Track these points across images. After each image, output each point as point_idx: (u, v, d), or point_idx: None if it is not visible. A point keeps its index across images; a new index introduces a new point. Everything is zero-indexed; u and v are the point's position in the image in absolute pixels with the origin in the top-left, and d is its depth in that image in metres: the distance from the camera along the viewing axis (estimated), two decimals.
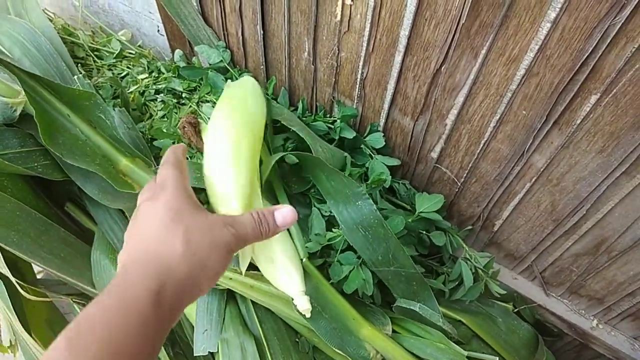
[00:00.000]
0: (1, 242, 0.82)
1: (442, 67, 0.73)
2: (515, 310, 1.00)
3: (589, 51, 0.59)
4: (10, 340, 1.10)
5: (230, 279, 0.82)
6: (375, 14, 0.74)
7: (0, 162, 0.82)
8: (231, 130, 0.66)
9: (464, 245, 0.92)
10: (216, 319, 0.87)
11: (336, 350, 0.79)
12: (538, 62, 0.64)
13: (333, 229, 0.84)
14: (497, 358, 0.83)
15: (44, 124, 0.83)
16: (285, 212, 0.52)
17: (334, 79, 0.91)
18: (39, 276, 1.08)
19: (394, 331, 0.86)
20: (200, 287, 0.44)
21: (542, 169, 0.77)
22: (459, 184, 0.90)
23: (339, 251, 0.83)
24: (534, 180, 0.79)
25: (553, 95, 0.66)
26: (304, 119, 0.99)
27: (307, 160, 0.83)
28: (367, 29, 0.77)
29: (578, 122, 0.67)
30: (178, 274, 0.42)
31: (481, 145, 0.80)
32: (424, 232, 0.90)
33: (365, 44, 0.80)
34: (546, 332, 1.04)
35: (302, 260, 0.80)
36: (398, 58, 0.78)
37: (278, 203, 0.86)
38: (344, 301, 0.83)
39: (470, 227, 0.97)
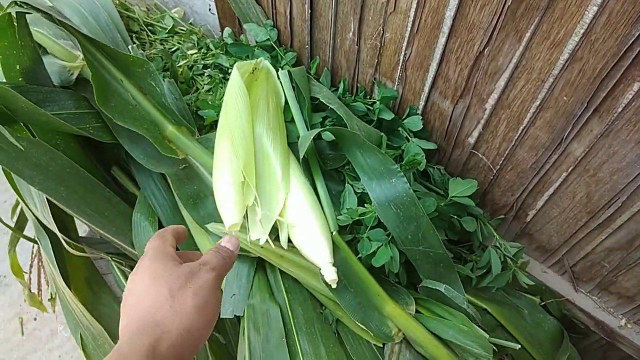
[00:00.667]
0: (51, 195, 0.88)
1: (485, 50, 0.74)
2: (542, 303, 1.00)
3: (635, 36, 0.59)
4: (51, 294, 1.16)
5: (262, 247, 0.84)
6: None
7: (56, 121, 0.87)
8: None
9: (495, 234, 0.92)
10: (245, 284, 0.90)
11: (359, 324, 0.81)
12: (582, 47, 0.64)
13: (365, 205, 0.86)
14: (519, 346, 0.84)
15: (99, 87, 0.88)
16: (227, 239, 0.59)
17: (376, 60, 0.93)
18: (81, 236, 1.14)
19: (417, 311, 0.87)
20: (199, 332, 0.47)
21: (579, 158, 0.76)
22: (495, 171, 0.91)
23: (368, 227, 0.85)
24: (570, 169, 0.79)
25: (595, 81, 0.66)
26: (344, 99, 1.01)
27: (344, 135, 0.84)
28: (413, 9, 0.79)
29: (619, 110, 0.67)
30: (172, 327, 0.45)
31: (519, 131, 0.81)
32: (455, 217, 0.90)
33: (410, 25, 0.82)
34: (573, 328, 1.03)
35: (332, 233, 0.82)
36: (442, 40, 0.79)
37: (313, 179, 0.88)
38: (371, 277, 0.85)
39: (502, 217, 0.97)
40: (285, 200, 0.82)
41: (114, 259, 1.05)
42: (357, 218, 0.84)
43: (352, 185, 0.89)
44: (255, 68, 0.94)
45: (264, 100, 0.90)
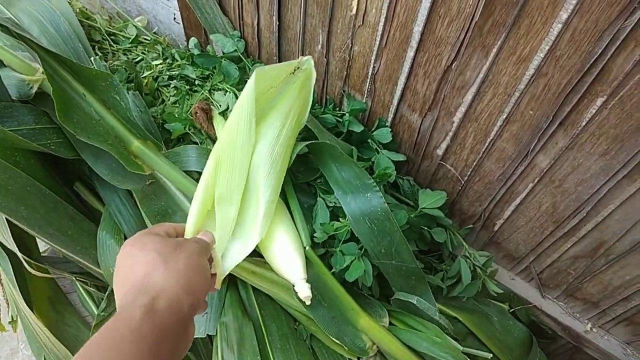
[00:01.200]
0: (11, 216, 0.84)
1: (453, 65, 0.75)
2: (511, 310, 1.02)
3: (598, 53, 0.61)
4: (12, 316, 1.11)
5: None
6: (391, 8, 0.76)
7: (15, 137, 0.84)
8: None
9: (464, 243, 0.93)
10: (217, 302, 0.88)
11: (333, 339, 0.80)
12: (547, 63, 0.66)
13: (339, 219, 0.85)
14: (491, 355, 0.85)
15: (60, 102, 0.85)
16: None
17: (345, 73, 0.93)
18: (43, 254, 1.10)
19: (390, 324, 0.87)
20: (195, 291, 0.49)
21: (545, 170, 0.78)
22: (463, 182, 0.92)
23: (342, 241, 0.84)
24: (536, 180, 0.81)
25: (560, 96, 0.68)
26: (313, 111, 1.00)
27: (320, 149, 0.84)
28: (382, 23, 0.79)
29: (583, 124, 0.69)
30: (167, 286, 0.46)
31: (487, 144, 0.82)
32: (426, 228, 0.91)
33: (378, 39, 0.82)
34: (541, 333, 1.05)
35: (305, 248, 0.82)
36: (410, 54, 0.79)
37: (285, 193, 0.87)
38: (344, 291, 0.85)
39: (470, 226, 0.99)
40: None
41: (78, 278, 1.02)
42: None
43: (324, 199, 0.88)
44: (298, 68, 0.77)
45: (285, 117, 0.76)
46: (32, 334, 1.04)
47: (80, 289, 1.04)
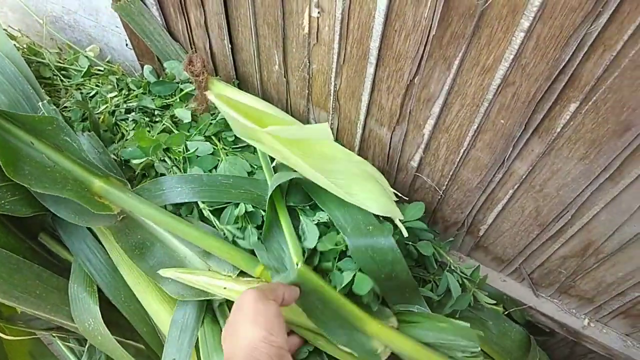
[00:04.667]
0: None
1: (416, 78, 0.71)
2: (506, 312, 0.99)
3: (566, 60, 0.57)
4: None
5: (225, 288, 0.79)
6: (344, 26, 0.71)
7: None
8: None
9: (448, 258, 0.90)
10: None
11: (345, 348, 0.77)
12: (514, 72, 0.62)
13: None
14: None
15: (7, 156, 0.79)
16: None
17: (307, 91, 0.88)
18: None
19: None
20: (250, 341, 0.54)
21: (524, 176, 0.75)
22: (441, 192, 0.88)
23: (336, 259, 0.80)
24: (516, 187, 0.78)
25: (531, 104, 0.64)
26: None
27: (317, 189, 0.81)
28: (337, 41, 0.74)
29: (558, 130, 0.65)
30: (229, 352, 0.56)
31: (460, 154, 0.78)
32: (410, 243, 0.88)
33: (335, 56, 0.77)
34: (538, 332, 1.03)
35: (297, 265, 0.77)
36: (370, 70, 0.75)
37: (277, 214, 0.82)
38: (347, 301, 0.80)
39: (452, 239, 0.96)
40: None
41: (53, 334, 0.97)
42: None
43: (308, 219, 0.83)
44: None
45: None
46: None
47: (60, 343, 1.00)
